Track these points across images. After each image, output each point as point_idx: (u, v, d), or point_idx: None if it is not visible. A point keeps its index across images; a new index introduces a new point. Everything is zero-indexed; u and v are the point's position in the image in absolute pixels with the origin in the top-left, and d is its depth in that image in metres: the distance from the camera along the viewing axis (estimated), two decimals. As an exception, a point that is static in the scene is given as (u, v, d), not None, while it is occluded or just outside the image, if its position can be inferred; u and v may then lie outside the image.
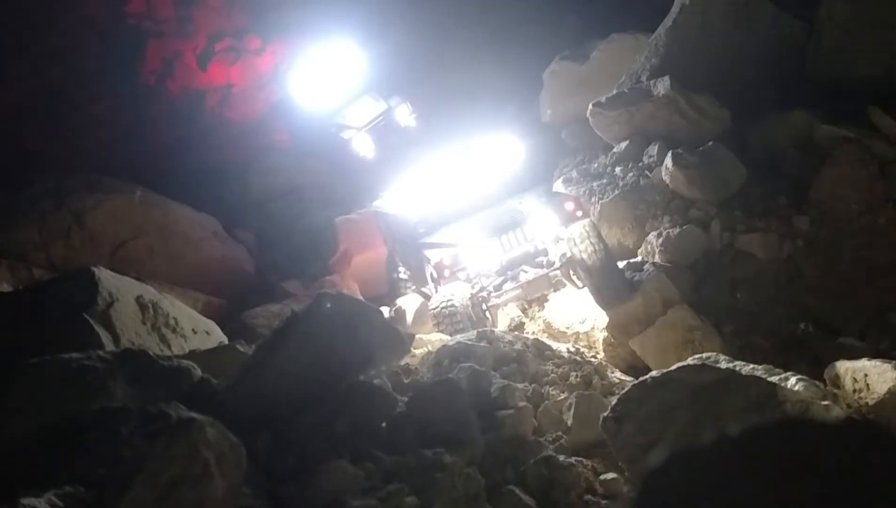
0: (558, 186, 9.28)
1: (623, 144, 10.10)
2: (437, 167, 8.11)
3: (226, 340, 5.41)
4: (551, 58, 12.93)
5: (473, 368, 3.77)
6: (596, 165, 10.13)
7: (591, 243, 6.73)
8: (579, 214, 7.34)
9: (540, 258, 7.43)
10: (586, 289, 7.03)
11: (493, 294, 7.30)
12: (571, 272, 7.25)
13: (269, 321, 9.39)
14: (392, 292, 10.29)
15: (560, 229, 7.22)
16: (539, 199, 7.64)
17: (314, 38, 13.64)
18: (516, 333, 7.07)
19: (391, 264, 10.50)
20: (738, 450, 0.85)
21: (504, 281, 7.30)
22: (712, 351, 6.68)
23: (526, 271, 7.34)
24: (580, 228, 6.90)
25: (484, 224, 7.37)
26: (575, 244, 6.78)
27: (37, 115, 12.10)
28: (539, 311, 7.80)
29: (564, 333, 7.74)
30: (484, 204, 7.81)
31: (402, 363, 4.54)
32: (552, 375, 4.88)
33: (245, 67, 13.71)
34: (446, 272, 7.15)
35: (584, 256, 6.70)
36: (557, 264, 7.21)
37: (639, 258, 8.10)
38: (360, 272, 11.73)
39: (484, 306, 7.38)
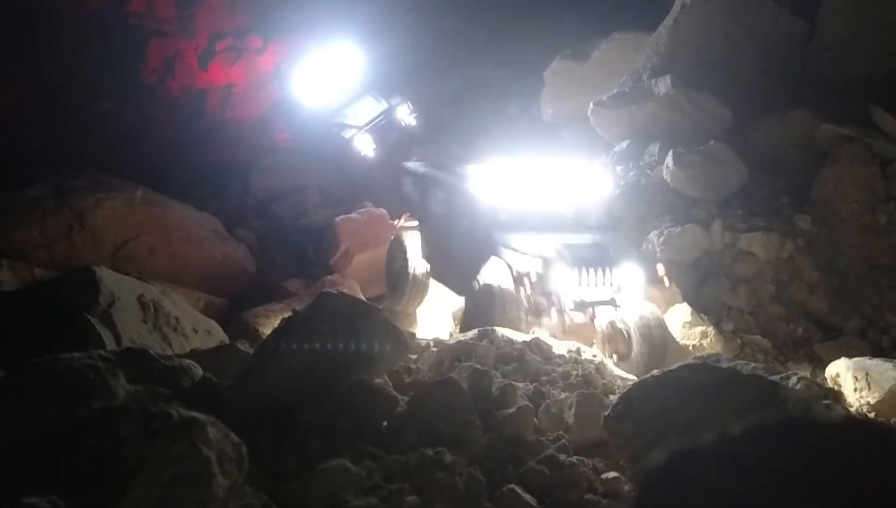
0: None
1: (624, 144, 10.10)
2: (519, 168, 7.64)
3: (227, 339, 5.42)
4: (552, 57, 12.92)
5: (474, 367, 3.76)
6: (597, 164, 10.12)
7: (659, 333, 6.50)
8: (667, 283, 6.92)
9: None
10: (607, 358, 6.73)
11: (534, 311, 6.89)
12: (607, 341, 6.82)
13: (270, 321, 9.39)
14: (395, 287, 9.32)
15: (638, 300, 6.79)
16: (626, 246, 7.20)
17: (315, 37, 13.67)
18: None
19: (398, 251, 9.09)
20: (739, 450, 0.85)
21: (548, 309, 6.84)
22: (713, 350, 6.70)
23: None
24: (659, 314, 6.67)
25: (566, 251, 6.65)
26: (646, 325, 6.46)
27: (37, 114, 12.11)
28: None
29: (565, 331, 7.73)
30: (559, 226, 7.32)
31: (403, 362, 4.53)
32: (553, 374, 4.87)
33: (246, 67, 13.71)
34: (527, 289, 6.42)
35: (643, 348, 6.40)
36: (605, 327, 6.79)
37: None
38: (361, 272, 11.72)
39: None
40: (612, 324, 6.83)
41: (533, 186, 7.55)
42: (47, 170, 10.90)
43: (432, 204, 8.41)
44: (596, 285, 6.58)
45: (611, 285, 6.63)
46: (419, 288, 8.81)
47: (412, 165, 9.38)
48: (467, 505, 2.49)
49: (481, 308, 6.58)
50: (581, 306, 6.68)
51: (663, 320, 6.74)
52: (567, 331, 7.00)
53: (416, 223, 9.11)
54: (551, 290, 6.57)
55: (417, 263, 8.75)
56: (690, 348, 6.90)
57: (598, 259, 6.64)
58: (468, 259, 7.28)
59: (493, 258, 6.91)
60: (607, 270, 6.58)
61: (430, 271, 8.61)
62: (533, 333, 7.11)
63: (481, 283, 6.74)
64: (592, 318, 6.95)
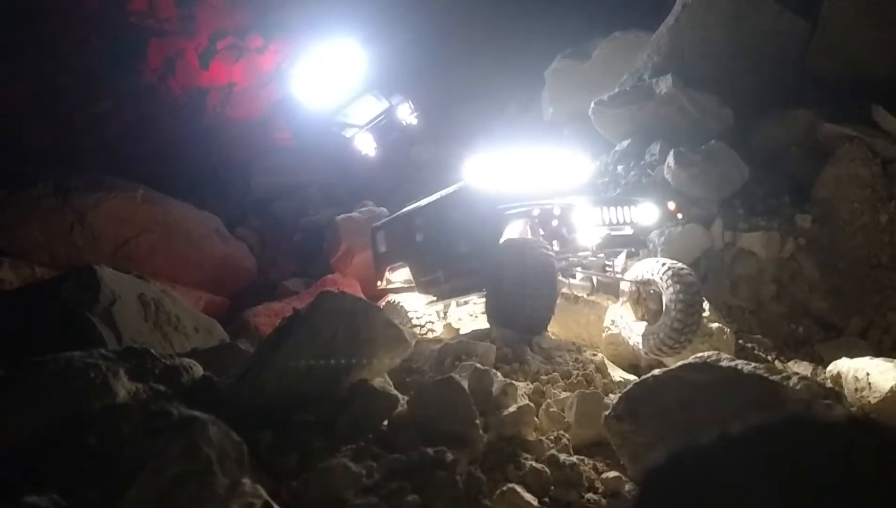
0: None
1: (625, 143, 10.09)
2: (517, 156, 7.54)
3: (227, 338, 5.42)
4: (553, 56, 12.91)
5: (475, 366, 3.76)
6: (598, 163, 10.12)
7: (692, 279, 6.23)
8: (680, 216, 6.98)
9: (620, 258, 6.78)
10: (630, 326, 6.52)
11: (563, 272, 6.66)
12: (635, 301, 6.62)
13: (270, 320, 9.40)
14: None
15: (664, 258, 6.71)
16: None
17: (316, 36, 13.68)
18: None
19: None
20: (739, 449, 0.85)
21: (575, 266, 6.71)
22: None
23: (587, 270, 6.76)
24: (691, 273, 6.43)
25: (585, 197, 6.81)
26: (677, 274, 6.19)
27: (39, 113, 12.13)
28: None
29: (566, 330, 7.73)
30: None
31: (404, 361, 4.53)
32: (554, 373, 4.88)
33: (247, 66, 13.73)
34: (554, 222, 6.26)
35: (679, 295, 6.13)
36: (631, 285, 6.59)
37: None
38: (362, 271, 11.72)
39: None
40: (637, 280, 6.57)
41: (534, 173, 7.45)
42: (48, 169, 10.92)
43: (416, 235, 8.11)
44: (618, 222, 6.52)
45: (631, 221, 6.61)
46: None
47: (380, 222, 9.19)
48: (467, 504, 2.49)
49: (507, 265, 6.18)
50: (609, 243, 6.56)
51: (691, 269, 6.50)
52: (596, 289, 6.81)
53: (400, 283, 8.63)
54: (575, 230, 6.39)
55: (422, 319, 8.23)
56: (707, 346, 6.79)
57: (619, 200, 6.76)
58: (482, 243, 6.97)
59: (510, 226, 6.70)
60: (627, 207, 6.61)
61: (440, 292, 8.07)
62: (564, 290, 6.79)
63: (503, 241, 6.50)
64: (618, 275, 6.76)
